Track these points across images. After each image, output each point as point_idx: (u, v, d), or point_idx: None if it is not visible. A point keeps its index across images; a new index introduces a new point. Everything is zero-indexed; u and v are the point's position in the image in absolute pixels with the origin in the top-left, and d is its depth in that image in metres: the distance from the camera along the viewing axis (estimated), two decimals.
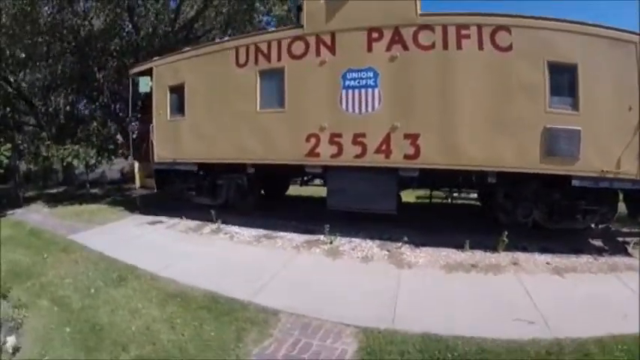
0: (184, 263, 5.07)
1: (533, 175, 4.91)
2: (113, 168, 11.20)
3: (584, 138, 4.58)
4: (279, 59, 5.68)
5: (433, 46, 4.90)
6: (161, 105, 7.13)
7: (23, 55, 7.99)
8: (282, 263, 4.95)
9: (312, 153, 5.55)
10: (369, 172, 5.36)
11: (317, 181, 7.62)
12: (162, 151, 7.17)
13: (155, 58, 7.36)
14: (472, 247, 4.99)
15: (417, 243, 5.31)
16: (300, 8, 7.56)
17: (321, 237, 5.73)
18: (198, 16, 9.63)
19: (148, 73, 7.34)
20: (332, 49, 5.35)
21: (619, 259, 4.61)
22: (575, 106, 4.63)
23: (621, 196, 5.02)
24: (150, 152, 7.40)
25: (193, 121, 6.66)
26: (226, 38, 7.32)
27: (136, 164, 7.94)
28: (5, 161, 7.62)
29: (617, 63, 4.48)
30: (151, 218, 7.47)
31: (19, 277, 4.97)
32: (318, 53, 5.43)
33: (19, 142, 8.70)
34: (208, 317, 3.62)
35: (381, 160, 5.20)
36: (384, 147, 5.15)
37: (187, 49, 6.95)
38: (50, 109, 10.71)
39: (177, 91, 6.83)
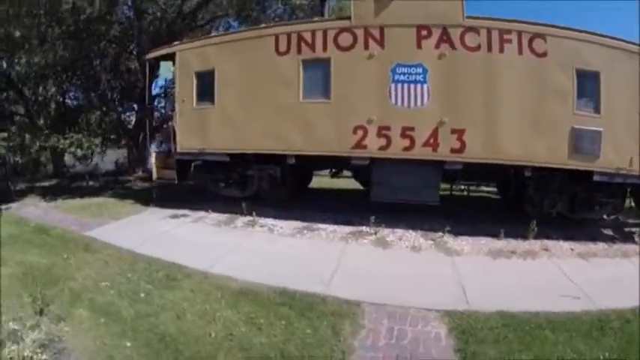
0: (232, 258, 4.66)
1: (559, 170, 5.37)
2: (106, 159, 10.09)
3: (604, 138, 4.99)
4: (324, 50, 5.43)
5: (479, 47, 5.02)
6: (185, 92, 6.41)
7: (18, 34, 6.78)
8: (337, 255, 4.75)
9: (358, 145, 5.38)
10: (415, 165, 5.33)
11: (343, 173, 7.57)
12: (187, 141, 6.46)
13: (176, 43, 6.67)
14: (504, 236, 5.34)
15: (456, 233, 5.39)
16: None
17: (364, 228, 5.58)
18: (208, 3, 8.99)
19: (170, 57, 6.71)
20: (381, 43, 5.23)
21: (629, 247, 5.08)
22: (597, 109, 5.03)
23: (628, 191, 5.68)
24: (171, 142, 6.78)
25: (225, 109, 6.08)
26: (263, 25, 6.93)
27: (153, 155, 7.19)
28: (2, 152, 6.45)
29: (631, 72, 4.94)
30: (170, 212, 6.73)
31: (40, 282, 4.01)
32: (366, 46, 5.27)
33: (13, 132, 7.43)
34: (292, 314, 3.33)
35: (429, 154, 5.21)
36: (431, 141, 5.16)
37: (217, 34, 6.47)
38: (40, 99, 9.28)
39: (206, 77, 6.19)
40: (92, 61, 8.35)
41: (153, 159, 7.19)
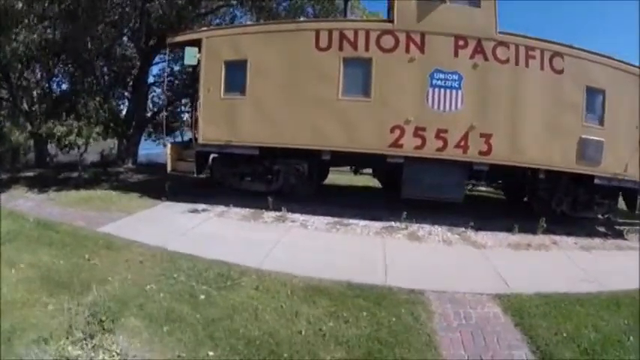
0: (278, 254, 4.77)
1: (566, 173, 6.22)
2: (89, 150, 9.52)
3: (606, 147, 5.91)
4: (366, 49, 5.73)
5: (508, 60, 5.66)
6: (212, 81, 6.30)
7: (20, 5, 6.11)
8: (380, 248, 5.11)
9: (395, 144, 5.76)
10: (445, 165, 5.84)
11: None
12: (212, 132, 6.36)
13: (204, 29, 6.60)
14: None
15: (475, 228, 6.01)
16: None
17: (393, 223, 6.04)
18: None
19: (195, 43, 6.50)
20: (421, 49, 5.65)
21: (620, 242, 6.08)
22: (601, 122, 5.93)
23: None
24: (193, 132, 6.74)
25: (257, 101, 6.12)
26: (302, 19, 7.11)
27: (168, 145, 7.02)
28: None
29: (631, 90, 5.90)
30: (187, 206, 6.61)
31: (67, 288, 3.64)
32: (407, 50, 5.66)
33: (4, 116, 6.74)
34: (369, 305, 3.53)
35: (460, 155, 5.74)
36: (462, 143, 5.70)
37: (251, 23, 6.55)
38: (24, 83, 8.41)
39: (237, 67, 6.17)
40: (87, 44, 7.87)
41: (168, 150, 7.03)
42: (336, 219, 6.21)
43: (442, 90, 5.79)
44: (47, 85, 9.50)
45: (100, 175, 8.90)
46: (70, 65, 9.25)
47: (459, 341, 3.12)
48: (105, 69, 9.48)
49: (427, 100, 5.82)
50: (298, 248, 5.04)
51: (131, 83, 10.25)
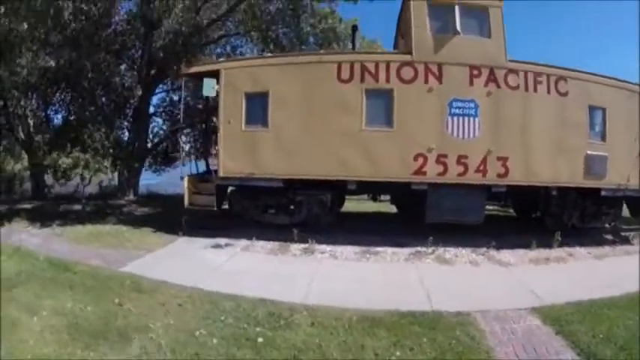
0: (319, 286, 4.91)
1: (574, 188, 6.93)
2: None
3: (609, 161, 6.58)
4: (387, 81, 6.11)
5: (518, 87, 6.19)
6: (232, 113, 6.47)
7: (26, 26, 6.00)
8: (416, 274, 5.41)
9: (419, 171, 6.14)
10: (465, 189, 6.28)
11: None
12: (233, 165, 6.51)
13: (221, 60, 6.88)
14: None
15: (496, 247, 6.55)
16: (355, 28, 8.34)
17: (419, 248, 6.38)
18: (227, 16, 9.02)
19: (212, 75, 6.70)
20: (439, 79, 6.08)
21: (628, 247, 6.73)
22: (604, 138, 6.60)
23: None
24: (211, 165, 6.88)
25: (280, 133, 6.33)
26: (322, 51, 7.42)
27: (185, 178, 7.12)
28: None
29: (628, 106, 6.59)
30: (207, 241, 6.66)
31: (104, 339, 3.44)
32: (426, 80, 6.07)
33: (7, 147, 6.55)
34: (426, 331, 3.74)
35: (479, 178, 6.18)
36: (481, 167, 6.16)
37: (271, 54, 6.81)
38: (21, 112, 8.18)
39: (258, 99, 6.40)
40: (87, 73, 7.87)
41: (185, 183, 7.17)
42: (363, 247, 6.45)
43: (460, 118, 6.28)
44: (44, 114, 9.37)
45: (103, 207, 8.81)
46: (68, 94, 9.17)
47: (514, 354, 3.44)
48: (104, 99, 9.46)
49: (447, 128, 6.29)
50: (335, 280, 5.22)
51: (131, 113, 10.28)
